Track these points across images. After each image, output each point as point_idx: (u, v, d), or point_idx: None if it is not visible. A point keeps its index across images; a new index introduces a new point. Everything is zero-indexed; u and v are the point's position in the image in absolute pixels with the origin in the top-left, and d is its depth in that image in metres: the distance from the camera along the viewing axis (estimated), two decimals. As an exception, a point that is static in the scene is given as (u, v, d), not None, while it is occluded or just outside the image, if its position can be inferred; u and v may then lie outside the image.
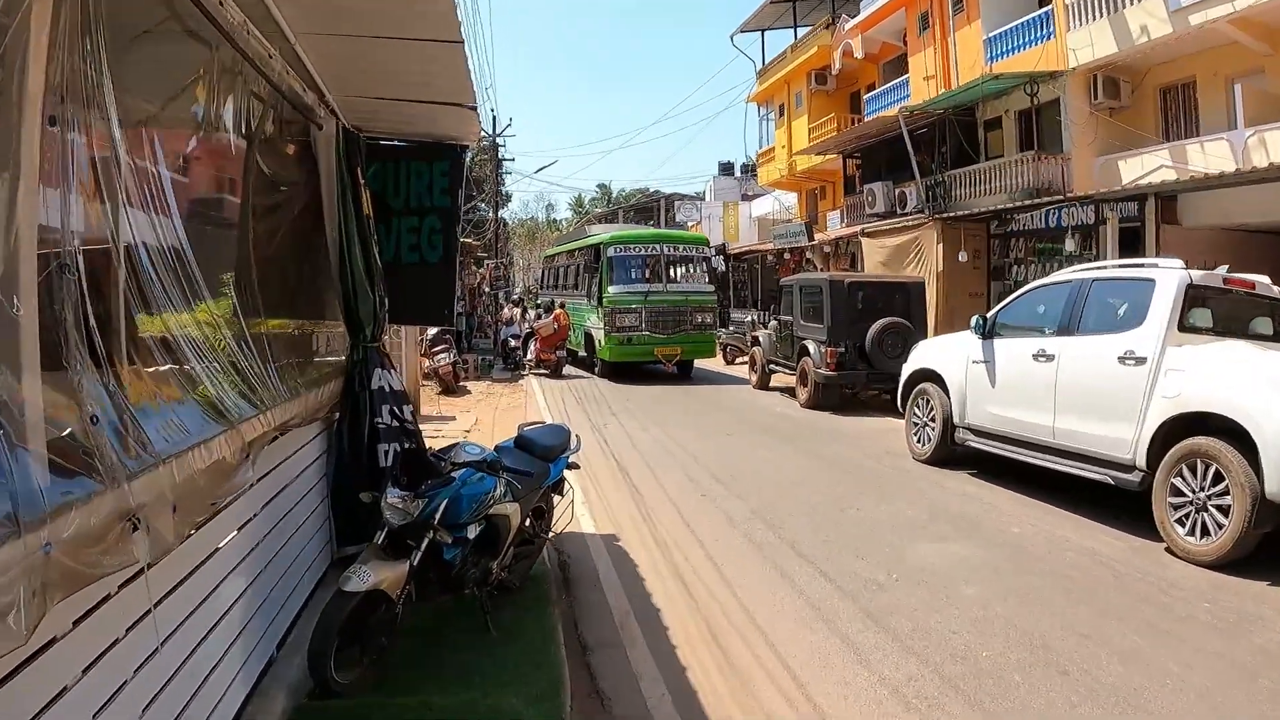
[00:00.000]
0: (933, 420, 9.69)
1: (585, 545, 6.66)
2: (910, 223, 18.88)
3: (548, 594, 5.34)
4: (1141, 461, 6.94)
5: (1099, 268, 8.46)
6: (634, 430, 11.95)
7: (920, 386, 10.04)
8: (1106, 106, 17.87)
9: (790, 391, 15.81)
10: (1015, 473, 8.79)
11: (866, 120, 23.94)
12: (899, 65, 25.66)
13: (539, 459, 5.41)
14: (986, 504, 7.99)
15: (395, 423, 5.82)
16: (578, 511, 7.29)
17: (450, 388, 16.58)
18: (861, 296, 14.00)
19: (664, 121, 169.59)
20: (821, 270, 21.75)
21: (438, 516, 4.20)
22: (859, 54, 26.11)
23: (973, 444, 9.08)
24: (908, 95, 23.44)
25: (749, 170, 50.30)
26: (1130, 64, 17.53)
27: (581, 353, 20.52)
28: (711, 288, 19.36)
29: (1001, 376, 8.71)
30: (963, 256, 17.10)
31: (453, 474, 4.34)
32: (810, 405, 14.10)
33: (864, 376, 13.87)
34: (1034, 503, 8.01)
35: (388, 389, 5.87)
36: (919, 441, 9.99)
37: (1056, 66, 18.05)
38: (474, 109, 5.75)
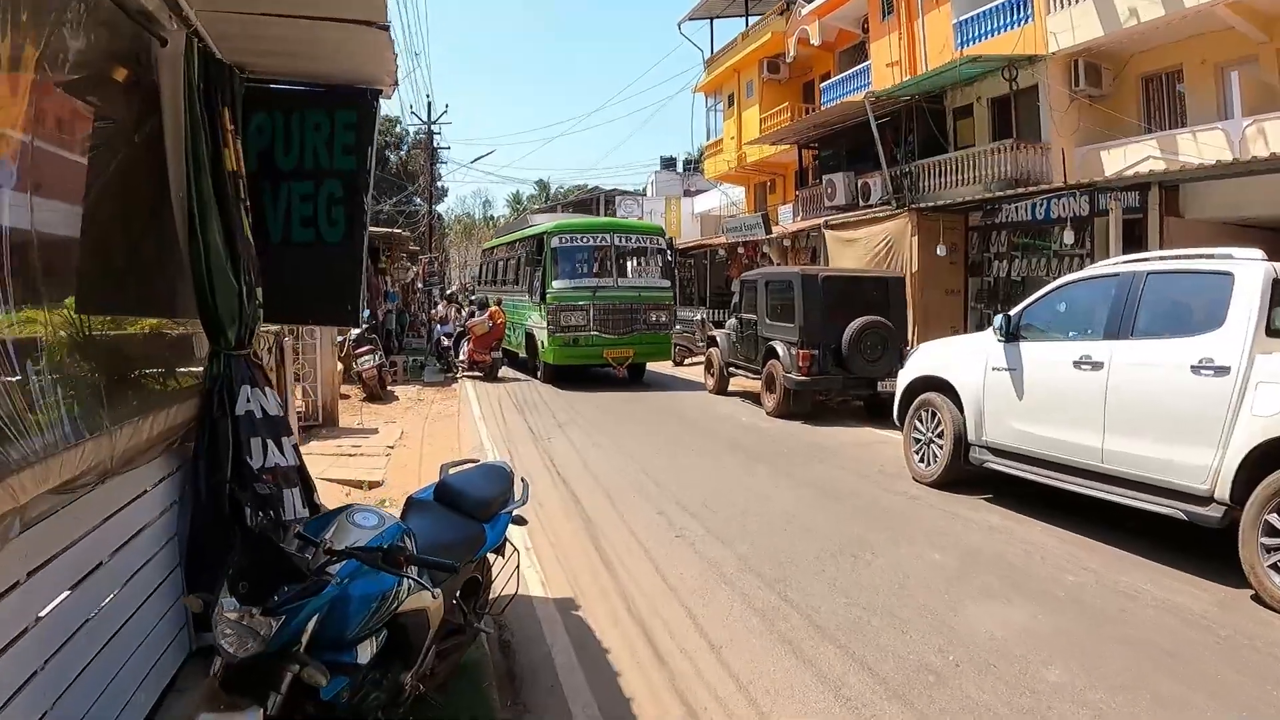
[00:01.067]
0: (940, 436, 8.23)
1: (535, 616, 5.00)
2: (880, 214, 17.51)
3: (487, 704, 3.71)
4: (1224, 493, 5.57)
5: (1155, 258, 7.06)
6: (585, 446, 10.31)
7: (924, 397, 8.57)
8: (1086, 94, 16.74)
9: (753, 397, 14.33)
10: (1041, 498, 7.43)
11: (827, 107, 22.57)
12: (856, 54, 24.61)
13: (470, 517, 3.76)
14: (1024, 542, 6.54)
15: (270, 461, 4.13)
16: (523, 560, 5.65)
17: (376, 394, 14.78)
18: (837, 293, 12.53)
19: (606, 109, 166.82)
20: (778, 265, 20.31)
21: (305, 638, 2.55)
22: (815, 40, 24.94)
23: (992, 465, 7.64)
24: (868, 83, 22.30)
25: (692, 165, 49.08)
26: (1113, 51, 16.44)
27: (522, 354, 18.61)
28: (667, 283, 17.47)
29: (1032, 387, 7.28)
30: (941, 250, 15.76)
31: (330, 569, 2.67)
32: (779, 414, 12.62)
33: (840, 382, 12.43)
34: (1078, 539, 6.60)
35: (259, 414, 4.16)
36: (922, 461, 8.53)
37: (1036, 50, 16.86)
38: (386, 29, 4.09)
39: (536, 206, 62.43)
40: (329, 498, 7.57)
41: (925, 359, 8.85)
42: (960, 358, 8.20)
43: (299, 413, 11.12)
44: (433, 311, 26.05)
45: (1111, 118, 16.25)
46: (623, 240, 17.10)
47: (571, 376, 16.69)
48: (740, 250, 24.30)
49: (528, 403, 14.38)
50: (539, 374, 17.39)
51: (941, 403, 8.23)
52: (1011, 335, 7.52)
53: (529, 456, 9.71)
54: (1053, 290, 7.55)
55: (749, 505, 7.48)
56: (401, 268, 29.50)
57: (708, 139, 33.27)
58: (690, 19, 32.89)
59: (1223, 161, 11.94)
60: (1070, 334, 7.25)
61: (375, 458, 9.63)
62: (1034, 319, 7.57)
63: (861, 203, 20.26)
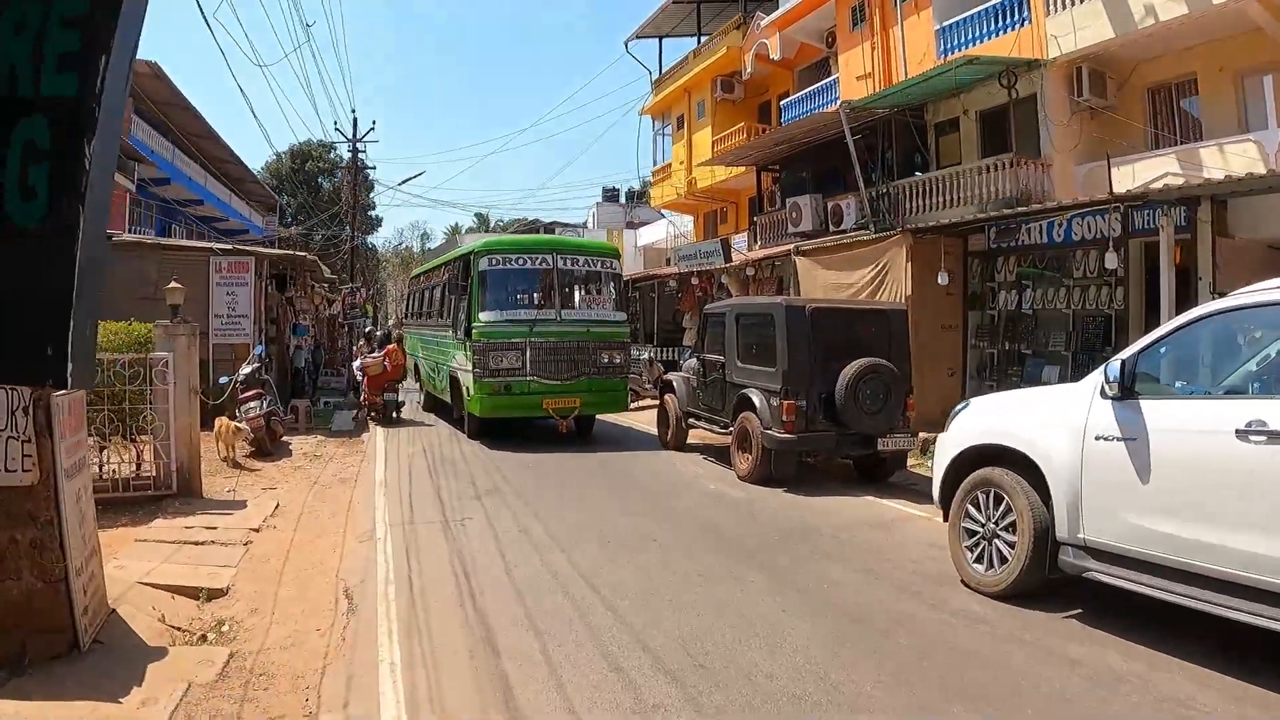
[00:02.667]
0: (1009, 530, 5.83)
1: None
2: (864, 237, 15.24)
3: None
4: None
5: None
6: (510, 535, 7.67)
7: (982, 474, 6.16)
8: (1089, 106, 14.75)
9: (717, 452, 11.92)
10: (1151, 613, 5.17)
11: (795, 121, 20.40)
12: (817, 71, 22.68)
13: None
14: (1176, 704, 4.18)
15: None
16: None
17: (264, 448, 12.07)
18: (828, 329, 10.17)
19: (545, 129, 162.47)
20: (737, 296, 17.95)
21: None
22: (776, 54, 22.96)
23: (1097, 575, 5.26)
24: (835, 98, 20.20)
25: (635, 196, 46.94)
26: (1117, 58, 14.50)
27: (447, 400, 15.51)
28: (622, 316, 14.37)
29: (1164, 464, 4.90)
30: (943, 278, 13.44)
31: None
32: (755, 478, 10.16)
33: (833, 440, 10.04)
34: (1247, 689, 4.27)
35: None
36: (981, 562, 6.11)
37: (1033, 55, 14.86)
38: None
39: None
40: (145, 614, 5.04)
41: (983, 420, 6.45)
42: (1040, 420, 5.81)
43: (147, 478, 8.59)
44: (356, 349, 23.20)
45: (1119, 130, 14.23)
46: (568, 262, 14.00)
47: (502, 431, 13.72)
48: (694, 281, 21.89)
49: (446, 461, 11.73)
50: (464, 427, 14.18)
51: (1012, 483, 5.83)
52: (1126, 390, 5.17)
53: (432, 551, 7.11)
54: (1182, 327, 5.20)
55: (754, 656, 4.87)
56: (322, 299, 26.68)
57: (655, 164, 31.05)
58: (638, 38, 30.86)
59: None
60: (1221, 389, 4.94)
61: (230, 548, 7.07)
62: (1156, 367, 5.25)
63: (833, 228, 18.08)
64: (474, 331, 12.94)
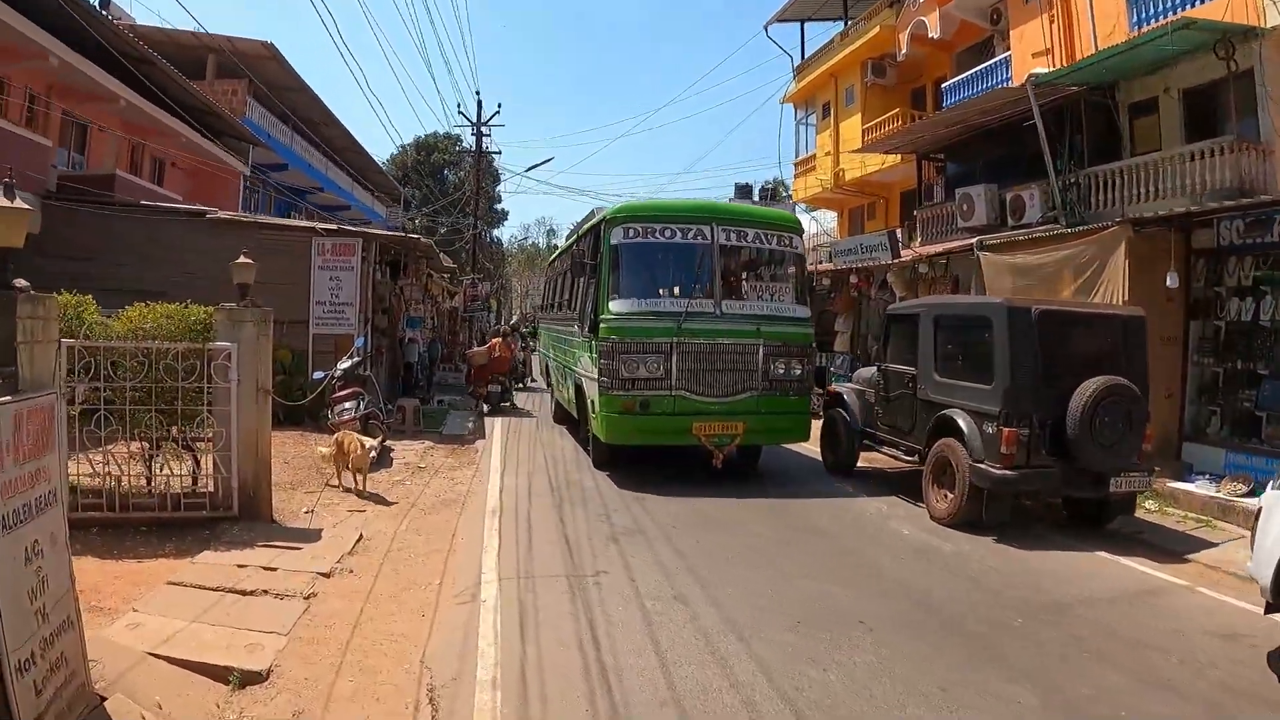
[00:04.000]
0: None
1: None
2: (1064, 230, 12.99)
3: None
4: None
5: None
6: (660, 604, 5.82)
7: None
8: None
9: (894, 481, 10.07)
10: None
11: (966, 100, 18.21)
12: (978, 53, 20.35)
13: None
14: None
15: None
16: None
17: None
18: (1058, 338, 8.14)
19: (678, 112, 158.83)
20: (905, 297, 15.87)
21: None
22: (935, 33, 20.73)
23: None
24: (1007, 78, 18.00)
25: (770, 195, 44.87)
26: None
27: (573, 412, 12.74)
28: (807, 313, 10.94)
29: None
30: (1172, 279, 11.03)
31: None
32: (955, 522, 8.20)
33: (1058, 478, 7.99)
34: None
35: None
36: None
37: (1248, 22, 12.39)
38: None
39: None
40: (146, 706, 3.82)
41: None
42: None
43: (203, 495, 7.04)
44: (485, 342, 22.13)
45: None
46: (733, 236, 10.49)
47: (636, 457, 10.61)
48: (852, 280, 19.80)
49: (573, 485, 9.86)
50: (589, 450, 11.28)
51: None
52: None
53: (555, 627, 5.30)
54: None
55: None
56: (441, 290, 25.54)
57: (797, 155, 29.01)
58: (779, 21, 28.95)
59: None
60: None
61: (286, 602, 5.44)
62: None
63: (1010, 221, 15.85)
64: (602, 326, 9.83)
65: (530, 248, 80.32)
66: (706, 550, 7.25)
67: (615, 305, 9.84)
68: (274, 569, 5.98)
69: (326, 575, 6.02)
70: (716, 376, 9.82)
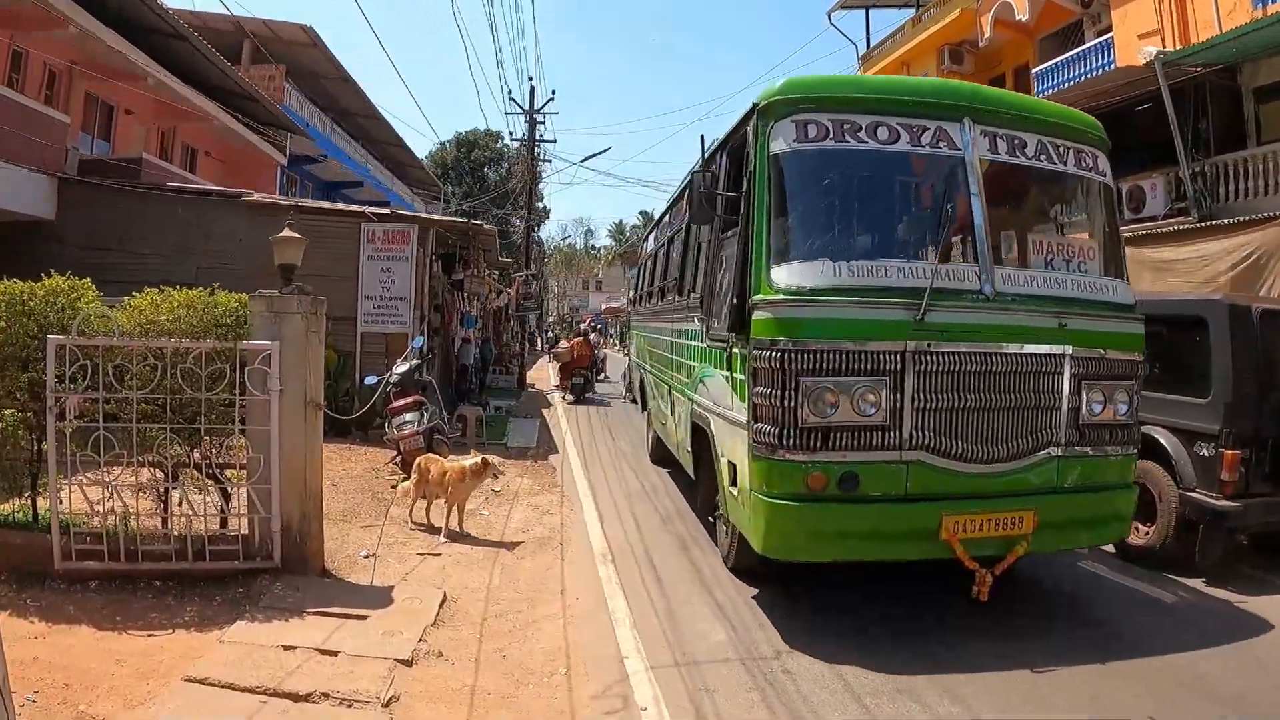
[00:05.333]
0: None
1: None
2: (1223, 223, 11.45)
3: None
4: None
5: None
6: (884, 701, 4.19)
7: None
8: None
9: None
10: None
11: (1080, 82, 16.75)
12: (1063, 38, 19.49)
13: None
14: None
15: None
16: None
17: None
18: (1277, 343, 6.57)
19: (736, 102, 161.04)
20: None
21: None
22: (1024, 15, 19.70)
23: None
24: (1109, 61, 16.69)
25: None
26: None
27: (685, 464, 7.96)
28: (1130, 292, 5.76)
29: None
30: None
31: None
32: (1158, 558, 6.63)
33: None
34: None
35: None
36: None
37: None
38: None
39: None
40: None
41: None
42: None
43: (235, 538, 5.45)
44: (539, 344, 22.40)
45: None
46: (1004, 145, 5.48)
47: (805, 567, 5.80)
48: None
49: (681, 516, 8.16)
50: (723, 548, 6.49)
51: None
52: None
53: None
54: None
55: None
56: (490, 287, 24.09)
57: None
58: (842, 7, 27.81)
59: None
60: None
61: (356, 713, 3.87)
62: None
63: (1128, 214, 14.39)
64: (757, 317, 5.04)
65: (567, 248, 79.11)
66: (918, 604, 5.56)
67: (784, 274, 5.02)
68: (334, 652, 4.40)
69: (408, 664, 4.42)
70: (986, 420, 5.04)
